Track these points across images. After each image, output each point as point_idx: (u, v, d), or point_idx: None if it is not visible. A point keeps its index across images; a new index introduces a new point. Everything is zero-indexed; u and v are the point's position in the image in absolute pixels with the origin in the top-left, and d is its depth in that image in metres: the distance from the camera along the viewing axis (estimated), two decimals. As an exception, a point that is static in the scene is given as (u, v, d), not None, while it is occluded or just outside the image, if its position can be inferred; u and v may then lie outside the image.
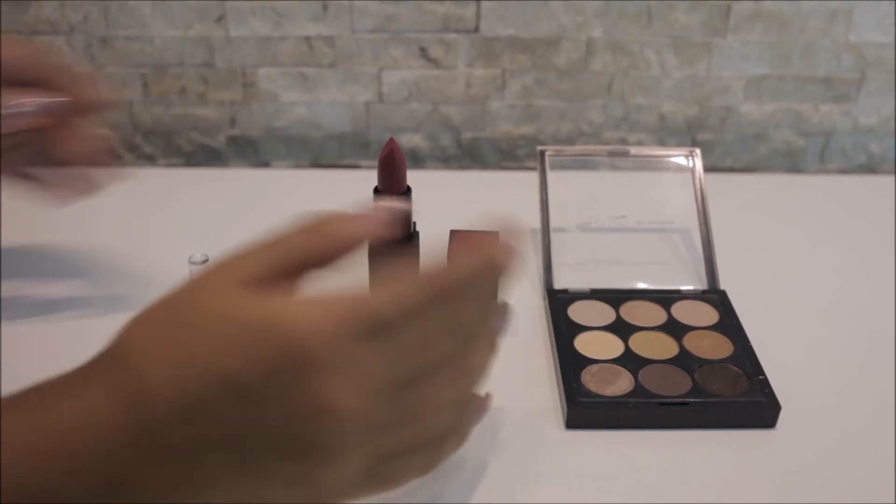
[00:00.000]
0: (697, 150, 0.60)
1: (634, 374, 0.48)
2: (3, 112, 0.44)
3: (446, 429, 0.35)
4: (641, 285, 0.56)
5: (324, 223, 0.33)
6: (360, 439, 0.30)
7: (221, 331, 0.29)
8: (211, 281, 0.30)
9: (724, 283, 0.56)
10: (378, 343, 0.30)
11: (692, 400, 0.46)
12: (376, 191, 0.50)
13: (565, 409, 0.46)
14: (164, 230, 0.63)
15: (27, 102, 0.45)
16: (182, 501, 0.29)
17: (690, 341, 0.51)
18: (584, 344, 0.50)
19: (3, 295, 0.55)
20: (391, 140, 0.48)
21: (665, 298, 0.55)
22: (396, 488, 0.34)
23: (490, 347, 0.36)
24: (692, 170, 0.59)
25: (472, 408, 0.36)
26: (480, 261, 0.34)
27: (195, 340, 0.29)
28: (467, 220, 0.55)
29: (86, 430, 0.29)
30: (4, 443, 0.29)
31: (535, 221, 0.59)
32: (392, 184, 0.49)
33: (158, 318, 0.30)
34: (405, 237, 0.50)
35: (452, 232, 0.51)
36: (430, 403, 0.33)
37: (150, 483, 0.29)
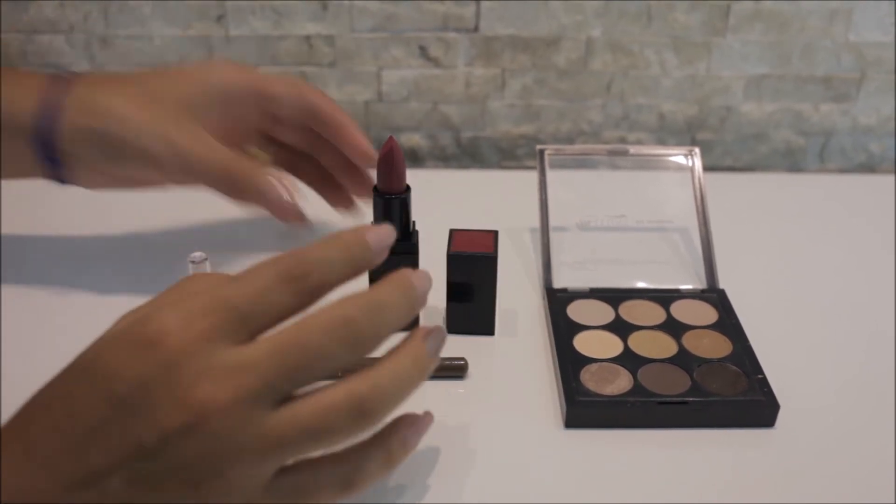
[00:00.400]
0: (697, 150, 0.60)
1: (633, 373, 0.48)
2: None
3: (352, 437, 0.33)
4: (641, 284, 0.56)
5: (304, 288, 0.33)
6: (244, 444, 0.30)
7: (108, 349, 0.31)
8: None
9: (723, 283, 0.56)
10: (238, 336, 0.31)
11: (691, 399, 0.46)
12: (376, 190, 0.50)
13: (564, 409, 0.46)
14: (164, 230, 0.63)
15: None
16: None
17: (689, 340, 0.51)
18: (583, 343, 0.50)
19: (3, 295, 0.55)
20: (390, 139, 0.48)
21: (664, 297, 0.55)
22: None
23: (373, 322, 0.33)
24: (692, 169, 0.59)
25: (373, 412, 0.33)
26: (329, 239, 0.35)
27: (91, 363, 0.32)
28: (467, 220, 0.55)
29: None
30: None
31: (535, 220, 0.59)
32: (391, 182, 0.49)
33: (78, 358, 0.32)
34: (403, 236, 0.50)
35: (452, 231, 0.51)
36: (319, 405, 0.32)
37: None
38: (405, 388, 0.34)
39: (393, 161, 0.48)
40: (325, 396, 0.32)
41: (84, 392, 0.30)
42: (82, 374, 0.31)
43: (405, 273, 0.35)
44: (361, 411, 0.32)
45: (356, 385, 0.32)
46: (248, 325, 0.32)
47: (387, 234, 0.36)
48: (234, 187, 0.48)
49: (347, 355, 0.32)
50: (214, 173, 0.48)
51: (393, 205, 0.49)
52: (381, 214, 0.50)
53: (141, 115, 0.47)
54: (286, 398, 0.32)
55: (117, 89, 0.48)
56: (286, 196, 0.49)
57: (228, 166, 0.48)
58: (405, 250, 0.49)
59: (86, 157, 0.49)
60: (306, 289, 0.33)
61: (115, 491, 0.30)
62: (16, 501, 0.30)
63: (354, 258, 0.34)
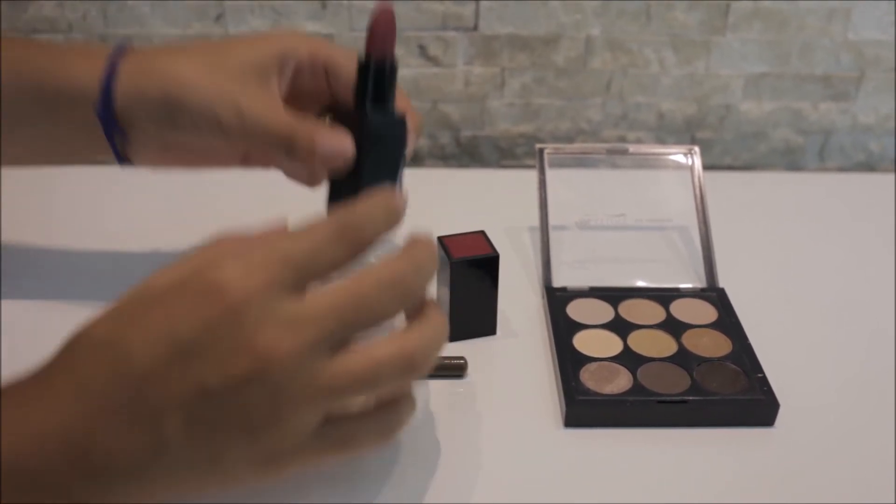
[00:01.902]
0: (696, 148, 0.60)
1: (633, 372, 0.48)
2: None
3: (395, 389, 0.36)
4: (640, 283, 0.56)
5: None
6: (302, 392, 0.32)
7: (163, 297, 0.32)
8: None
9: (722, 281, 0.56)
10: (296, 288, 0.32)
11: (691, 398, 0.46)
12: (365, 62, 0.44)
13: (564, 408, 0.46)
14: (164, 230, 0.63)
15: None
16: (143, 468, 0.31)
17: (689, 339, 0.51)
18: (583, 342, 0.50)
19: (2, 293, 0.55)
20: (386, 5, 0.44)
21: (664, 296, 0.55)
22: (356, 454, 0.36)
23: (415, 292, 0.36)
24: (691, 168, 0.59)
25: (418, 362, 0.35)
26: (371, 197, 0.36)
27: (144, 310, 0.32)
28: (467, 219, 0.55)
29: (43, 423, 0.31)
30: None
31: (534, 219, 0.59)
32: (383, 50, 0.44)
33: (119, 307, 0.33)
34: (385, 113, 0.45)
35: (441, 238, 0.51)
36: (373, 358, 0.33)
37: (115, 451, 0.31)
38: (442, 344, 0.36)
39: (386, 29, 0.43)
40: (378, 350, 0.33)
41: (142, 335, 0.31)
42: (137, 318, 0.32)
43: (430, 239, 0.37)
44: (410, 365, 0.34)
45: (406, 341, 0.34)
46: (305, 278, 0.33)
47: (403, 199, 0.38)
48: (299, 151, 0.46)
49: (397, 309, 0.34)
50: (279, 135, 0.46)
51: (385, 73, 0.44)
52: (373, 85, 0.44)
53: (201, 77, 0.46)
54: (340, 348, 0.33)
55: (178, 54, 0.47)
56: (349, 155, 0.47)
57: (294, 129, 0.46)
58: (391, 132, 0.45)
59: (144, 124, 0.47)
60: (357, 243, 0.34)
61: (172, 432, 0.31)
62: (67, 440, 0.30)
63: (394, 213, 0.36)
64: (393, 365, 0.34)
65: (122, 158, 0.50)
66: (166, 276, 0.33)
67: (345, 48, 0.50)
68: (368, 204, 0.35)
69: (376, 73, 0.44)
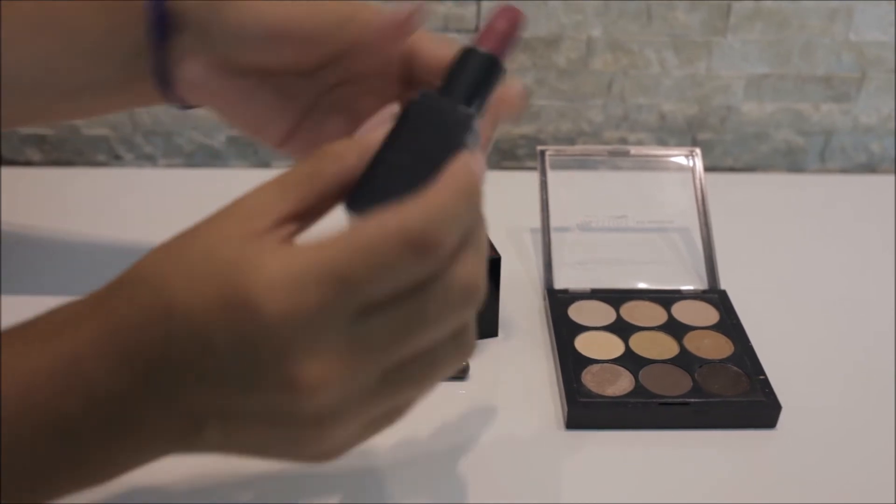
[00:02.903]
0: (697, 150, 0.60)
1: (635, 374, 0.48)
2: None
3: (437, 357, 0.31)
4: (642, 285, 0.56)
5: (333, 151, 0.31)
6: (346, 411, 0.29)
7: (206, 278, 0.28)
8: (223, 226, 0.30)
9: (724, 283, 0.56)
10: (346, 305, 0.27)
11: (692, 400, 0.46)
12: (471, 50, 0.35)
13: (565, 410, 0.46)
14: (164, 230, 0.63)
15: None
16: (180, 439, 0.30)
17: (691, 341, 0.51)
18: (585, 344, 0.50)
19: (2, 293, 0.55)
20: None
21: (665, 298, 0.54)
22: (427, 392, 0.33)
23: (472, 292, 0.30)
24: (692, 169, 0.59)
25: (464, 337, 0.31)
26: (452, 190, 0.28)
27: (181, 283, 0.29)
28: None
29: (89, 357, 0.29)
30: (9, 367, 0.29)
31: (536, 221, 0.59)
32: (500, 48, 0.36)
33: (172, 248, 0.31)
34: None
35: None
36: (416, 355, 0.30)
37: (151, 418, 0.29)
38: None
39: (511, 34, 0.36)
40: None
41: (154, 330, 0.28)
42: (151, 311, 0.29)
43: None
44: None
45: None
46: (364, 301, 0.28)
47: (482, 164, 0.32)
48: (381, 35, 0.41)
49: (461, 315, 0.30)
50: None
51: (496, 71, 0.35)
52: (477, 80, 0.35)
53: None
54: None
55: None
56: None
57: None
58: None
59: (195, 37, 0.42)
60: (435, 259, 0.28)
61: (208, 432, 0.30)
62: (104, 388, 0.29)
63: (476, 206, 0.30)
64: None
65: (173, 93, 0.44)
66: (190, 256, 0.29)
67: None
68: (449, 199, 0.28)
69: (483, 67, 0.35)
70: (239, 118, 0.45)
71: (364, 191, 0.30)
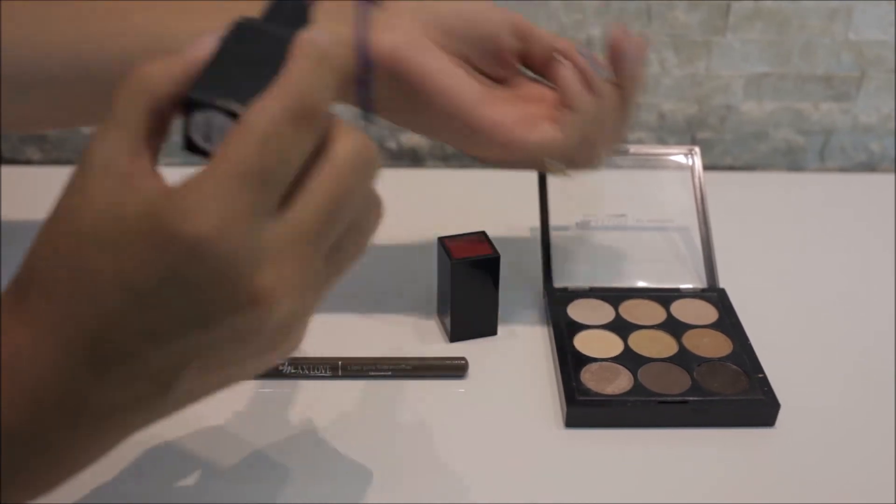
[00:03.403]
0: (697, 149, 0.60)
1: (634, 372, 0.48)
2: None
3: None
4: (641, 284, 0.56)
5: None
6: (307, 306, 0.29)
7: (117, 238, 0.27)
8: (94, 178, 0.28)
9: (723, 282, 0.56)
10: (269, 200, 0.27)
11: (691, 398, 0.46)
12: None
13: (564, 408, 0.46)
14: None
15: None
16: (157, 402, 0.29)
17: (690, 340, 0.51)
18: (584, 342, 0.50)
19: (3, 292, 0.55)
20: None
21: (664, 297, 0.55)
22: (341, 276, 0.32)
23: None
24: (692, 168, 0.59)
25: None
26: (309, 59, 0.29)
27: (92, 253, 0.27)
28: (468, 219, 0.55)
29: (26, 366, 0.28)
30: None
31: (535, 220, 0.59)
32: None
33: (54, 235, 0.29)
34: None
35: (441, 239, 0.51)
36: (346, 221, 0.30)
37: (115, 398, 0.28)
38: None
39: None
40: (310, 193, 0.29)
41: (114, 282, 0.27)
42: (103, 262, 0.27)
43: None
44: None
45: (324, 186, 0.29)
46: (280, 191, 0.28)
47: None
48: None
49: (375, 176, 0.31)
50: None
51: None
52: None
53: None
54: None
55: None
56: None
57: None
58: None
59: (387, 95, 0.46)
60: (318, 125, 0.29)
61: (174, 384, 0.29)
62: (55, 394, 0.28)
63: (337, 71, 0.30)
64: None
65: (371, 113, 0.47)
66: (102, 208, 0.28)
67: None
68: (313, 69, 0.28)
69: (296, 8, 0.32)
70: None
71: (208, 81, 0.29)
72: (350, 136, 0.29)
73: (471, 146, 0.48)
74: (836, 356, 0.52)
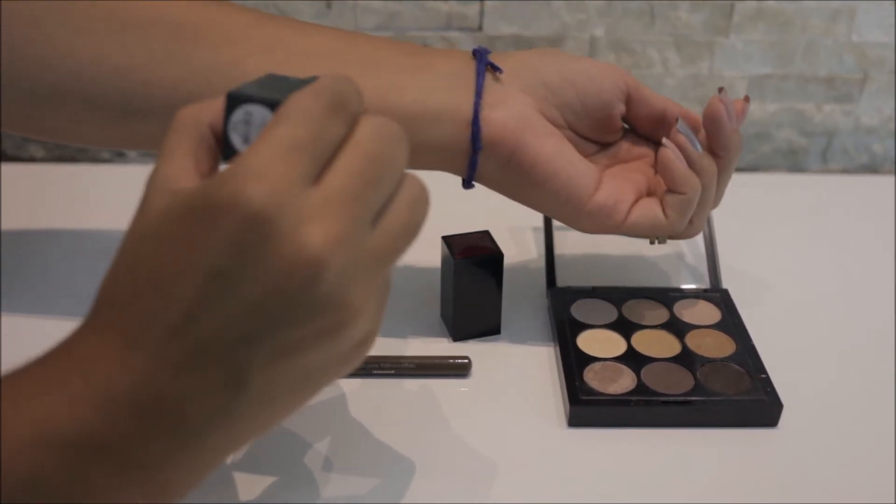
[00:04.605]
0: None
1: (637, 372, 0.48)
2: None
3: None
4: (644, 284, 0.56)
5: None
6: (363, 271, 0.30)
7: (173, 229, 0.29)
8: (152, 198, 0.31)
9: (726, 282, 0.56)
10: (307, 168, 0.29)
11: (694, 398, 0.46)
12: None
13: (567, 408, 0.46)
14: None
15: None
16: (227, 405, 0.29)
17: (693, 340, 0.51)
18: (587, 342, 0.50)
19: (4, 290, 0.55)
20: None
21: (667, 297, 0.55)
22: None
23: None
24: (695, 169, 0.59)
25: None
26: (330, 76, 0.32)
27: (150, 249, 0.30)
28: (470, 219, 0.55)
29: (96, 395, 0.29)
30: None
31: (538, 219, 0.59)
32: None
33: (118, 255, 0.31)
34: None
35: (446, 238, 0.51)
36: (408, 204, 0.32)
37: (190, 404, 0.29)
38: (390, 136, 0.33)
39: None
40: (396, 208, 0.32)
41: (175, 269, 0.29)
42: (163, 255, 0.29)
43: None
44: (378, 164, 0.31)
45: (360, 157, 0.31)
46: (318, 162, 0.30)
47: None
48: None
49: (405, 151, 0.33)
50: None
51: None
52: None
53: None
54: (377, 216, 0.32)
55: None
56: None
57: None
58: None
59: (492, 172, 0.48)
60: (348, 114, 0.31)
61: (245, 368, 0.29)
62: (127, 393, 0.29)
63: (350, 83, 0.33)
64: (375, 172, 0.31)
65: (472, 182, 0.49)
66: (158, 213, 0.30)
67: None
68: (329, 78, 0.32)
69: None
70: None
71: (246, 87, 0.32)
72: (373, 116, 0.32)
73: (574, 223, 0.49)
74: (838, 357, 0.52)
